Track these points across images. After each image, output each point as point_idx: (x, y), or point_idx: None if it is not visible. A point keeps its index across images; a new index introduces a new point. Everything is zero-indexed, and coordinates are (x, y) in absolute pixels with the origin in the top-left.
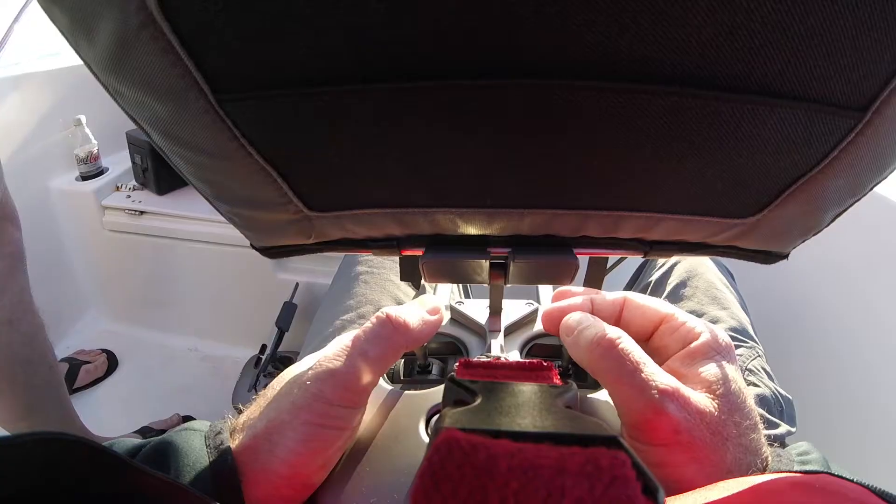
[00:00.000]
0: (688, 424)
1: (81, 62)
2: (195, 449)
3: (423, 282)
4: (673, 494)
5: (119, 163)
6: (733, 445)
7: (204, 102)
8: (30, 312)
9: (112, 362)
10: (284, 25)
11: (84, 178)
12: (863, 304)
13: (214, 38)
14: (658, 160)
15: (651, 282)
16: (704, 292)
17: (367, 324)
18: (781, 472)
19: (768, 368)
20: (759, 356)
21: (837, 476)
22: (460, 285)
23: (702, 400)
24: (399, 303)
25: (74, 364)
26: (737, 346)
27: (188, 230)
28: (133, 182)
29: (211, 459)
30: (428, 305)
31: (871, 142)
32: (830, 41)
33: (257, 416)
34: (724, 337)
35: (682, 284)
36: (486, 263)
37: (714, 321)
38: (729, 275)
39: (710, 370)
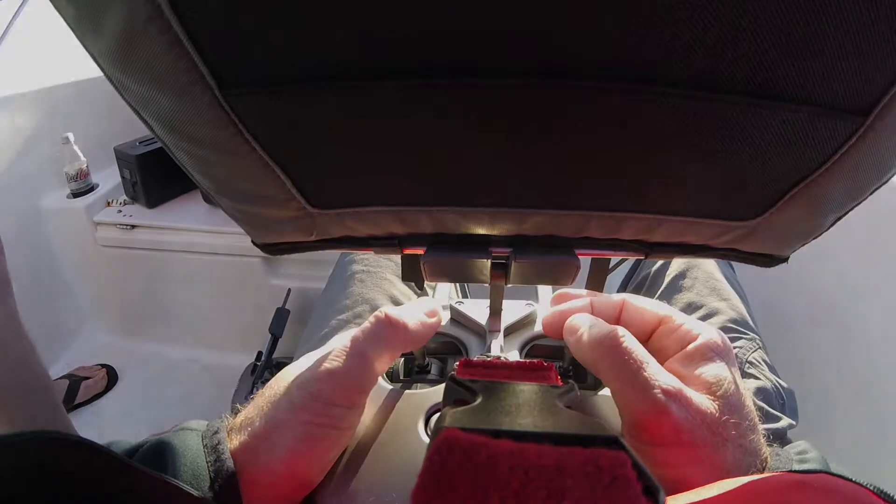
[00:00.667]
0: (689, 425)
1: (67, 81)
2: (192, 449)
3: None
4: (672, 495)
5: (109, 178)
6: (733, 446)
7: (210, 97)
8: (19, 335)
9: (111, 377)
10: (290, 21)
11: (75, 195)
12: (863, 292)
13: (221, 32)
14: (661, 162)
15: (649, 273)
16: (703, 283)
17: (366, 323)
18: (780, 471)
19: (769, 360)
20: (759, 348)
21: (836, 475)
22: (459, 285)
23: (703, 401)
24: (395, 301)
25: (74, 381)
26: (737, 338)
27: (180, 241)
28: (123, 197)
29: (208, 459)
30: (426, 307)
31: (872, 146)
32: (834, 45)
33: (255, 415)
34: (723, 338)
35: (681, 276)
36: (487, 263)
37: (713, 312)
38: (728, 265)
39: (709, 371)
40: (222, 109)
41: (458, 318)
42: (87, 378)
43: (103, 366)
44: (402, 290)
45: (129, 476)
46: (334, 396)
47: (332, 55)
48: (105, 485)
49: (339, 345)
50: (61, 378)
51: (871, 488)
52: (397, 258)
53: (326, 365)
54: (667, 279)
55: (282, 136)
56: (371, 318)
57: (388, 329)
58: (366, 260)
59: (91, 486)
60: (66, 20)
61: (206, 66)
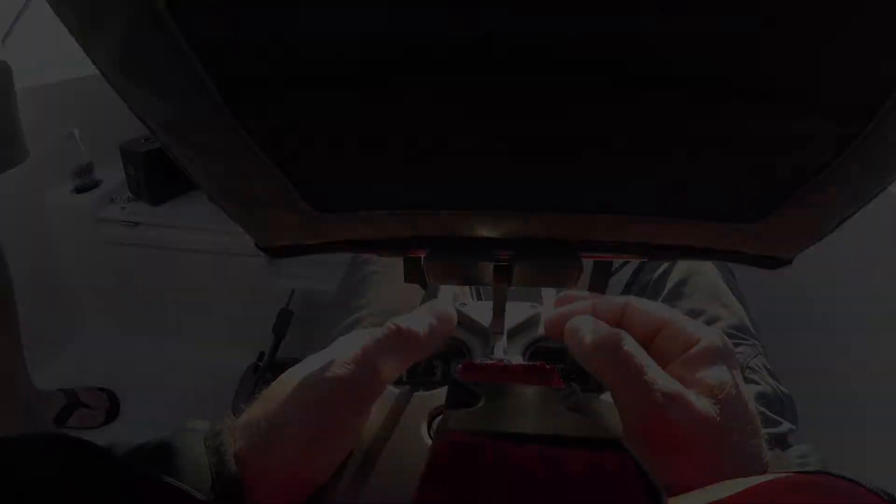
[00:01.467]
0: (690, 428)
1: (73, 77)
2: (194, 450)
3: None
4: (674, 497)
5: (113, 175)
6: (734, 451)
7: (210, 100)
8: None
9: (111, 411)
10: (290, 22)
11: (78, 190)
12: (864, 298)
13: (221, 34)
14: (663, 164)
15: (651, 280)
16: (705, 290)
17: (378, 333)
18: (780, 472)
19: (769, 366)
20: (759, 354)
21: (838, 476)
22: (472, 286)
23: (704, 405)
24: (412, 305)
25: (70, 403)
26: (738, 344)
27: (183, 239)
28: (127, 194)
29: (211, 461)
30: (438, 311)
31: (876, 148)
32: (836, 45)
33: (260, 416)
34: (725, 341)
35: (683, 282)
36: (490, 265)
37: (715, 319)
38: (729, 272)
39: (711, 375)
40: (223, 112)
41: (461, 321)
42: (86, 406)
43: (106, 391)
44: (418, 292)
45: (130, 478)
46: (341, 403)
47: (333, 56)
48: (106, 487)
49: (348, 350)
50: (58, 391)
51: (872, 489)
52: None
53: (336, 370)
54: (668, 286)
55: (284, 138)
56: (384, 329)
57: (400, 340)
58: (381, 261)
59: (92, 489)
60: (66, 25)
61: (207, 70)
